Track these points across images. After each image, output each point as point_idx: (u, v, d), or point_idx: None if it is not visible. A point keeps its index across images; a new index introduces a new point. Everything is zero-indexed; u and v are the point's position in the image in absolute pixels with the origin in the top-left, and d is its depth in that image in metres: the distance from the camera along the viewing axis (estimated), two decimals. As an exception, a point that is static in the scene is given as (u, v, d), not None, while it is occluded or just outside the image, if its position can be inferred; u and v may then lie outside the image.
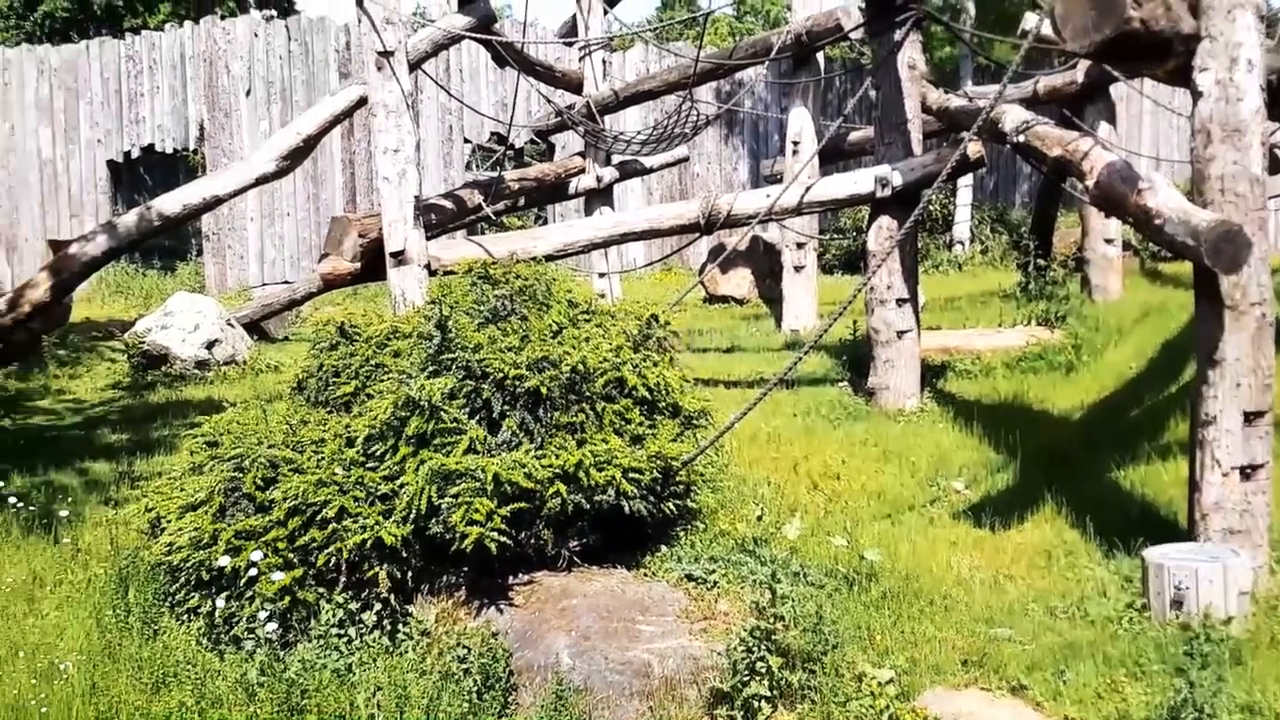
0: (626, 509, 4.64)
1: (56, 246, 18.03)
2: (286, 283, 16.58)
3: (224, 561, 4.31)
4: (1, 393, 9.78)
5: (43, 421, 8.75)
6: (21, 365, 10.43)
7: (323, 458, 4.65)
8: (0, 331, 7.75)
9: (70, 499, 6.29)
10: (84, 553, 5.32)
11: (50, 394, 9.81)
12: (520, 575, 4.61)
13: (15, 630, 4.52)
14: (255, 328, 12.43)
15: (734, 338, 11.60)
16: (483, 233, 18.08)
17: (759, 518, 4.75)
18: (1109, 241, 11.86)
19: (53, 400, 9.65)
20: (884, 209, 8.12)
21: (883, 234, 8.11)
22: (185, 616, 4.48)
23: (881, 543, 5.31)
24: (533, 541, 4.62)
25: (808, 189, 8.54)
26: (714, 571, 4.66)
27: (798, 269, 12.10)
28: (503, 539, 4.29)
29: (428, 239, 8.26)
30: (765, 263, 14.75)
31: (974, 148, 7.77)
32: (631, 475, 4.62)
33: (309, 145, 8.40)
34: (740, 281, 14.91)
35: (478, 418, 4.74)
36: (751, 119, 19.32)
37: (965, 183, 17.86)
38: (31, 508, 5.92)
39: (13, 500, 5.85)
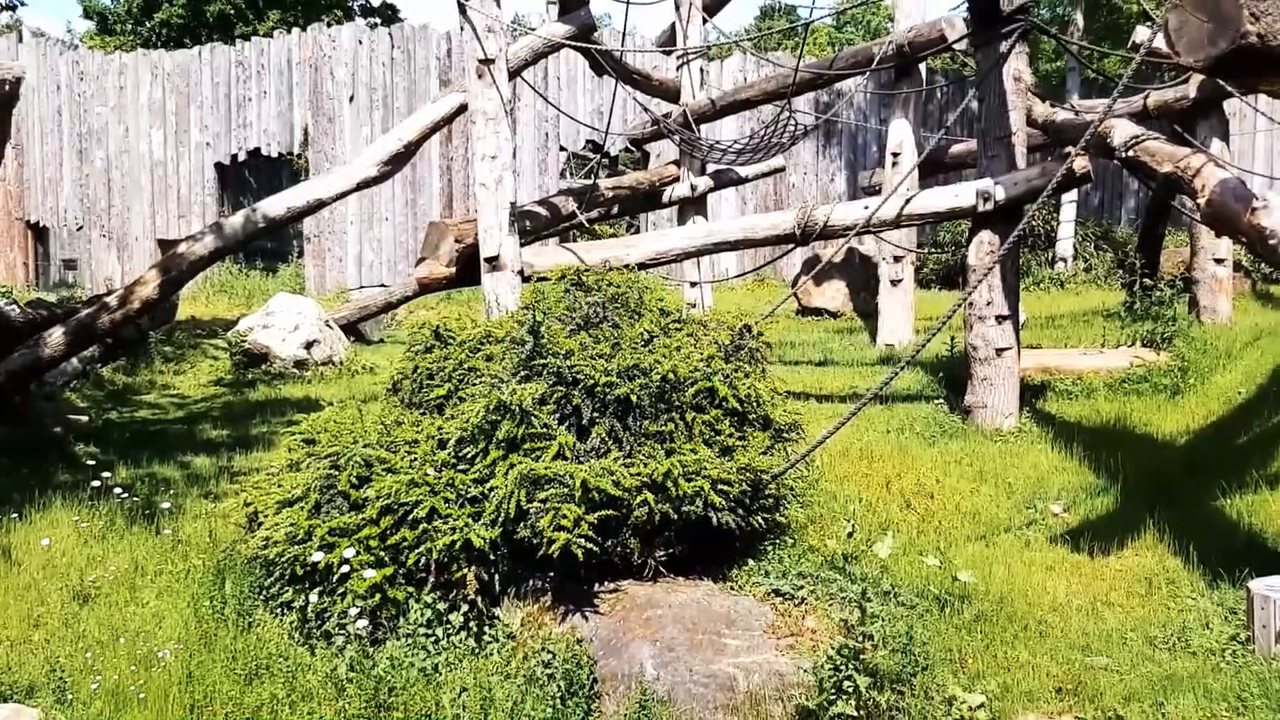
0: (714, 521, 4.63)
1: (165, 246, 18.76)
2: (383, 286, 16.97)
3: (318, 557, 4.42)
4: (110, 386, 10.20)
5: (148, 415, 9.10)
6: (129, 360, 10.87)
7: (415, 458, 4.74)
8: (110, 327, 8.06)
9: (172, 491, 6.52)
10: (184, 544, 5.50)
11: (155, 389, 10.18)
12: (606, 583, 4.63)
13: (117, 617, 4.70)
14: (352, 329, 12.75)
15: (827, 351, 11.52)
16: (576, 240, 18.30)
17: (849, 535, 4.70)
18: (1219, 261, 11.46)
19: (158, 395, 10.02)
20: (985, 223, 7.98)
21: (983, 249, 7.96)
22: (279, 610, 4.60)
23: (975, 564, 5.21)
24: (619, 549, 4.64)
25: (907, 201, 8.43)
26: (802, 587, 4.63)
27: (894, 283, 11.95)
28: (589, 546, 4.32)
29: (522, 245, 8.39)
30: (861, 276, 14.61)
31: (1080, 162, 7.59)
32: (720, 487, 4.62)
33: (409, 151, 8.59)
34: (835, 294, 14.79)
35: (567, 424, 4.78)
36: (850, 130, 19.17)
37: (1069, 198, 17.46)
38: (135, 499, 6.15)
39: (118, 491, 6.08)
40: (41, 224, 21.17)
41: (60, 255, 20.96)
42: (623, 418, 4.79)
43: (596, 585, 4.62)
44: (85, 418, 8.32)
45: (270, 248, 21.11)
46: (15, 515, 5.87)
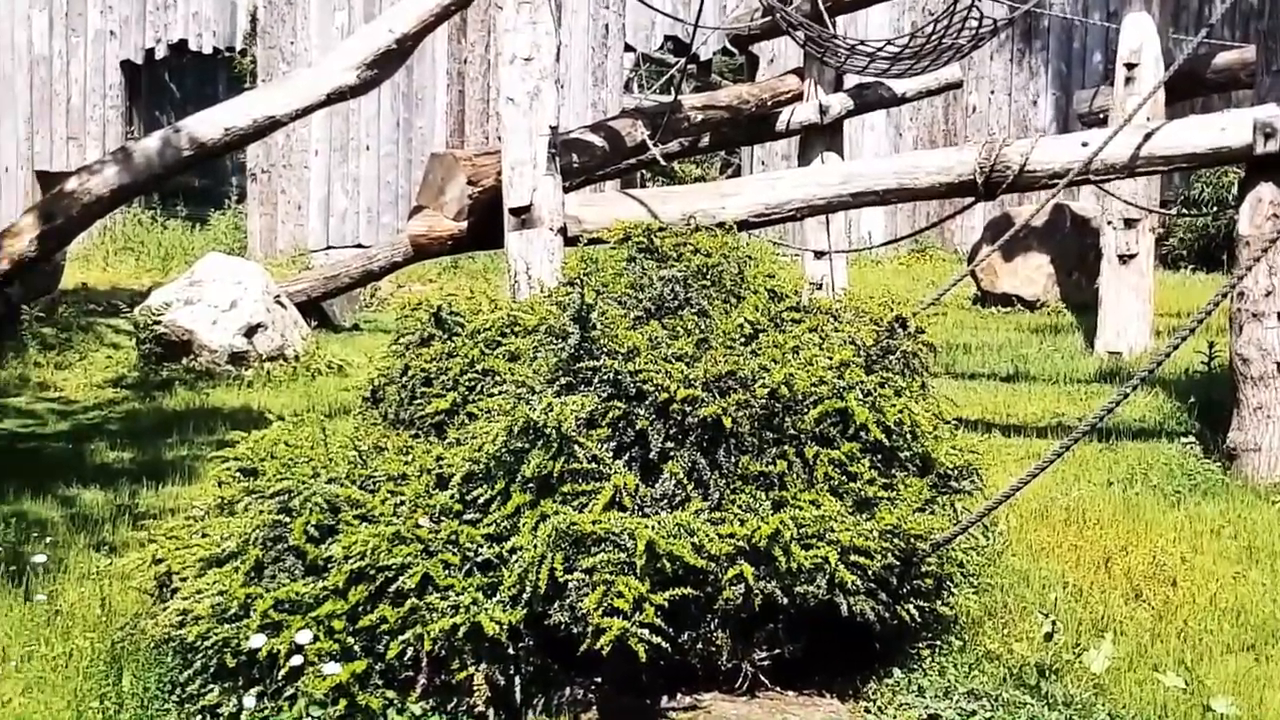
0: (844, 608, 4.61)
1: (47, 181, 19.22)
2: (360, 246, 17.19)
3: (258, 643, 4.47)
4: (-37, 384, 10.46)
5: (16, 427, 9.28)
6: (-7, 346, 11.13)
7: (403, 502, 4.77)
8: (-32, 297, 8.28)
9: (50, 538, 6.63)
10: (64, 616, 5.59)
11: (29, 388, 10.41)
12: (679, 695, 4.63)
13: (-36, 721, 4.81)
14: (314, 308, 12.95)
15: (1019, 358, 11.39)
16: (644, 184, 18.34)
17: (1048, 636, 4.66)
18: None
19: (32, 397, 10.23)
20: (1266, 173, 7.85)
21: (1263, 211, 7.84)
22: (199, 718, 4.65)
23: (1240, 688, 5.12)
24: (699, 646, 4.63)
25: (1147, 137, 8.31)
26: (974, 714, 4.59)
27: (1125, 258, 11.79)
28: (656, 639, 4.31)
29: (567, 190, 8.43)
30: (1073, 247, 14.45)
31: None
32: (854, 558, 4.59)
33: (404, 49, 8.69)
34: (1033, 274, 14.66)
35: (627, 456, 4.78)
36: (1062, 27, 18.97)
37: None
38: (-2, 549, 6.29)
39: (-30, 538, 6.23)
40: None
41: (-105, 191, 21.54)
42: (710, 450, 4.78)
43: (666, 699, 4.62)
44: (-74, 428, 8.53)
45: (198, 187, 21.51)
46: None
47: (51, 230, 8.13)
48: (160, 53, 19.74)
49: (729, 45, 17.80)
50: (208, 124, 8.44)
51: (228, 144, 8.61)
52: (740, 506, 4.69)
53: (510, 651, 4.51)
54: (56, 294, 13.01)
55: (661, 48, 19.33)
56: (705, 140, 12.69)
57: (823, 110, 12.18)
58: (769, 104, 12.29)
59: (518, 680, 4.56)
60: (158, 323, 11.19)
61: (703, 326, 5.17)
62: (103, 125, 19.81)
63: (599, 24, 18.66)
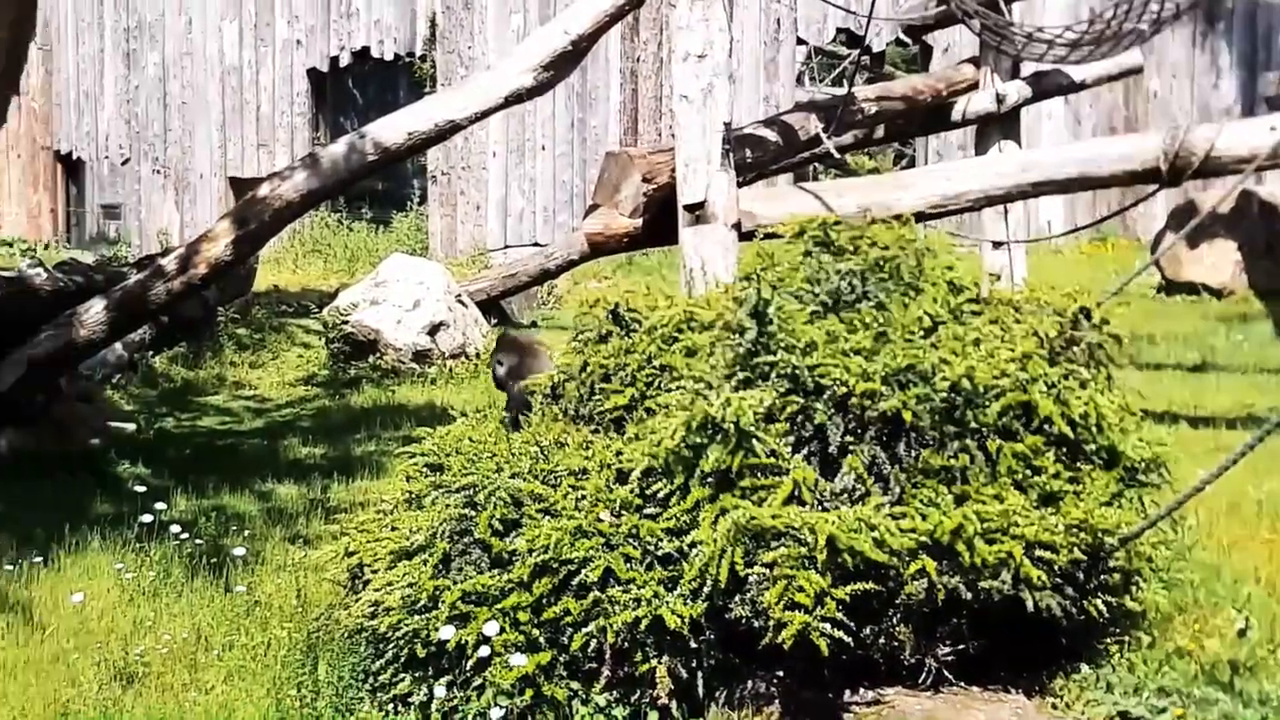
0: (1029, 603, 4.53)
1: (240, 186, 19.80)
2: (537, 245, 17.36)
3: (447, 634, 4.55)
4: (164, 383, 10.85)
5: (215, 424, 9.63)
6: (191, 347, 11.52)
7: (584, 496, 4.82)
8: (167, 300, 8.53)
9: (248, 532, 6.87)
10: (262, 606, 5.78)
11: (226, 387, 10.77)
12: (862, 690, 4.60)
13: (172, 707, 4.98)
14: (493, 307, 13.14)
15: (1205, 349, 11.12)
16: (816, 177, 18.23)
17: (1241, 632, 4.52)
18: None
19: (229, 396, 10.59)
20: None
21: None
22: (391, 706, 4.75)
23: None
24: (882, 642, 4.59)
25: (1339, 118, 8.03)
26: (1164, 711, 4.48)
27: (1315, 244, 11.41)
28: (838, 634, 4.29)
29: (740, 185, 8.41)
30: (1261, 233, 14.04)
31: None
32: (1039, 553, 4.51)
33: (579, 50, 8.73)
34: (1220, 262, 14.29)
35: (805, 451, 4.76)
36: (1246, 8, 18.38)
37: None
38: (198, 541, 6.50)
39: (175, 530, 6.45)
40: (75, 156, 22.71)
41: (99, 199, 22.44)
42: (890, 444, 4.74)
43: (848, 693, 4.59)
44: (132, 425, 8.87)
45: (381, 190, 21.97)
46: (39, 559, 6.31)
47: (245, 235, 8.34)
48: (344, 60, 20.20)
49: (902, 35, 17.58)
50: (391, 129, 8.58)
51: (411, 148, 8.75)
52: (922, 501, 4.63)
53: (692, 645, 4.53)
54: (250, 296, 13.42)
55: (834, 40, 19.18)
56: (879, 132, 12.53)
57: (999, 99, 11.95)
58: (944, 94, 12.10)
59: (699, 673, 4.57)
60: (345, 323, 11.48)
61: (881, 320, 5.12)
62: (290, 132, 20.34)
63: (770, 18, 18.60)
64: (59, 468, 8.09)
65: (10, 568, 6.15)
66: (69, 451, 8.32)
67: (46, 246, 21.00)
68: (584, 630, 4.53)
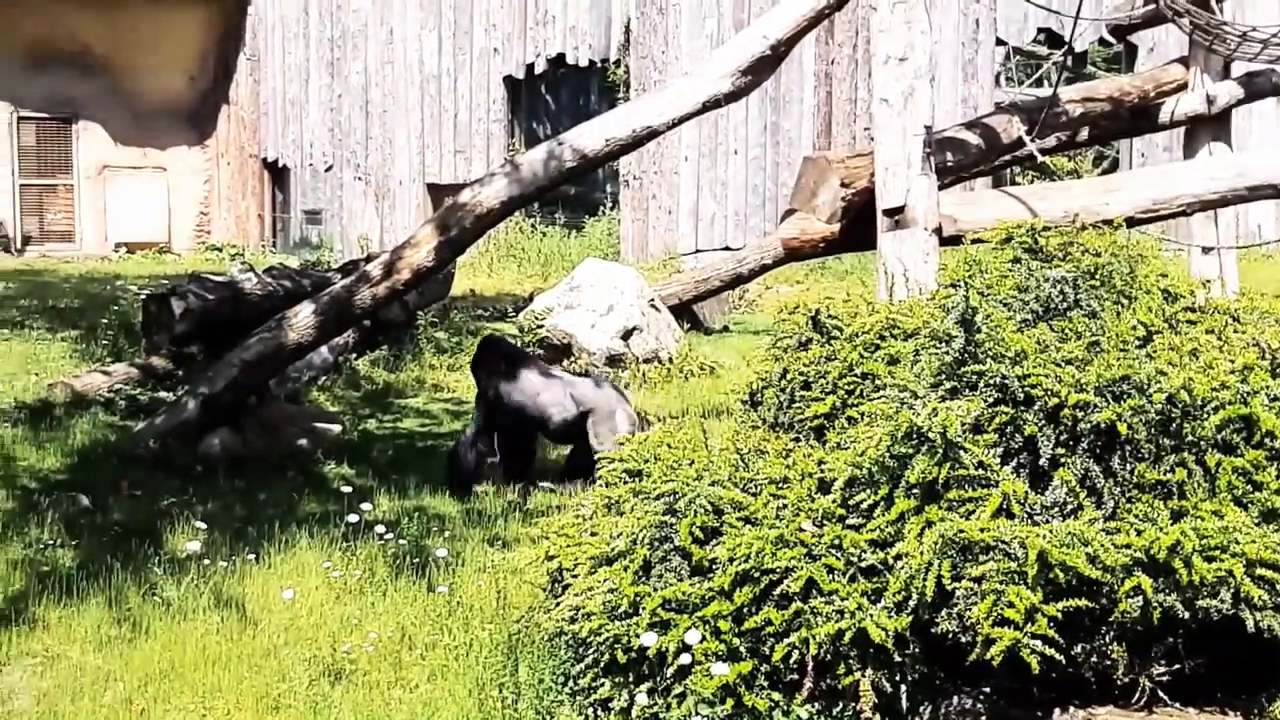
0: (1249, 623, 4.38)
1: (437, 193, 20.15)
2: (728, 250, 17.39)
3: (648, 640, 4.56)
4: (367, 385, 11.11)
5: (416, 426, 9.82)
6: (392, 350, 11.78)
7: (785, 505, 4.79)
8: (371, 304, 8.73)
9: (448, 534, 7.00)
10: (464, 607, 5.87)
11: (425, 390, 10.98)
12: (1072, 708, 4.50)
13: (378, 703, 5.09)
14: (685, 311, 13.17)
15: None
16: (1013, 181, 17.89)
17: None
18: None
19: (428, 398, 10.79)
20: None
21: None
22: (591, 711, 4.79)
23: None
24: (1093, 659, 4.49)
25: None
26: (1393, 740, 4.29)
27: None
28: (1048, 651, 4.20)
29: (940, 189, 8.29)
30: None
31: None
32: (1261, 571, 4.36)
33: (777, 55, 8.68)
34: None
35: (1015, 463, 4.68)
36: None
37: None
38: (402, 542, 6.65)
39: (380, 530, 6.61)
40: (281, 163, 23.41)
41: (302, 204, 23.10)
42: (1103, 457, 4.64)
43: (1057, 713, 4.50)
44: (337, 427, 9.10)
45: (574, 195, 22.21)
46: (252, 556, 6.51)
47: (447, 241, 8.49)
48: (539, 67, 20.45)
49: (1106, 35, 17.17)
50: (589, 135, 8.65)
51: (608, 154, 8.80)
52: (1136, 516, 4.52)
53: (896, 658, 4.47)
54: (448, 300, 13.68)
55: (1034, 40, 18.81)
56: (1083, 134, 12.24)
57: (1210, 100, 11.57)
58: (1151, 95, 11.76)
59: (903, 687, 4.52)
60: (540, 327, 11.63)
61: (1093, 329, 5.02)
62: (487, 139, 20.67)
63: (969, 19, 18.32)
64: (268, 468, 8.34)
65: (224, 564, 6.35)
66: (278, 452, 8.57)
67: (253, 252, 21.72)
68: (786, 641, 4.50)
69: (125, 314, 12.34)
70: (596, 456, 7.85)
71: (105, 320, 12.37)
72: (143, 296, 11.86)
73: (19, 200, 22.95)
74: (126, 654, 5.48)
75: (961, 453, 4.57)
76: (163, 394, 9.76)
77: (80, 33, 22.54)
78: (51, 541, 6.77)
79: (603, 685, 4.77)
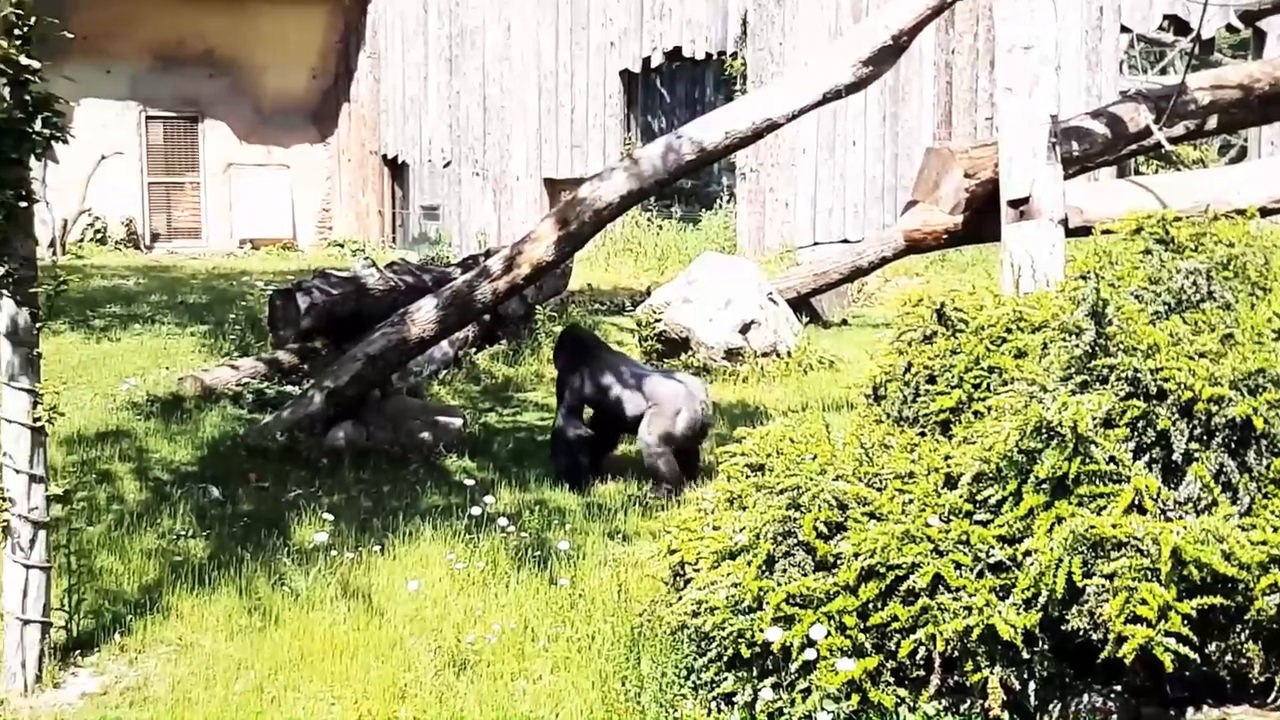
0: (1393, 625, 4.28)
1: (554, 188, 20.27)
2: (846, 242, 17.29)
3: (772, 635, 4.56)
4: (486, 379, 11.21)
5: (535, 420, 9.89)
6: (511, 344, 11.87)
7: (910, 500, 4.77)
8: (492, 299, 8.80)
9: (569, 527, 7.05)
10: (585, 600, 5.91)
11: (544, 384, 11.03)
12: (1205, 708, 4.44)
13: (503, 694, 5.14)
14: (803, 305, 13.12)
15: None
16: (1137, 171, 17.58)
17: None
18: None
19: (546, 392, 10.85)
20: None
21: None
22: (715, 704, 4.80)
23: None
24: (1227, 658, 4.42)
25: None
26: None
27: None
28: (1182, 649, 4.14)
29: (1065, 179, 8.18)
30: None
31: None
32: (1405, 570, 4.25)
33: (899, 45, 8.62)
34: None
35: (1147, 458, 4.63)
36: None
37: None
38: (523, 534, 6.71)
39: (502, 523, 6.67)
40: (400, 159, 23.70)
41: (420, 200, 23.35)
42: (1238, 452, 4.56)
43: (1190, 711, 4.43)
44: (459, 420, 9.18)
45: (689, 189, 22.22)
46: (377, 547, 6.61)
47: (566, 236, 8.54)
48: (655, 60, 20.44)
49: (1233, 21, 16.79)
50: (708, 128, 8.64)
51: (728, 147, 8.79)
52: (1273, 512, 4.45)
53: (1024, 655, 4.44)
54: (565, 294, 13.75)
55: (1159, 27, 18.45)
56: (1211, 123, 12.01)
57: (1344, 86, 11.30)
58: (1282, 82, 11.51)
59: (1032, 685, 4.49)
60: (658, 320, 11.64)
61: (1228, 321, 4.93)
62: (603, 133, 20.73)
63: (1093, 6, 18.01)
64: (392, 460, 8.46)
65: (350, 555, 6.45)
66: (400, 445, 8.68)
67: (373, 247, 22.02)
68: (912, 637, 4.49)
69: (251, 309, 12.55)
70: (646, 451, 7.93)
71: (232, 315, 12.60)
72: (268, 292, 12.07)
73: (148, 198, 23.47)
74: (257, 642, 5.61)
75: (1092, 447, 4.53)
76: (288, 388, 9.92)
77: (206, 33, 23.01)
78: (184, 532, 6.94)
79: (726, 679, 4.78)
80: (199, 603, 6.01)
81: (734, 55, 19.48)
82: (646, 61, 20.49)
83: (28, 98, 5.14)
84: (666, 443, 7.90)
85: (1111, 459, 4.53)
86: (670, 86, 24.20)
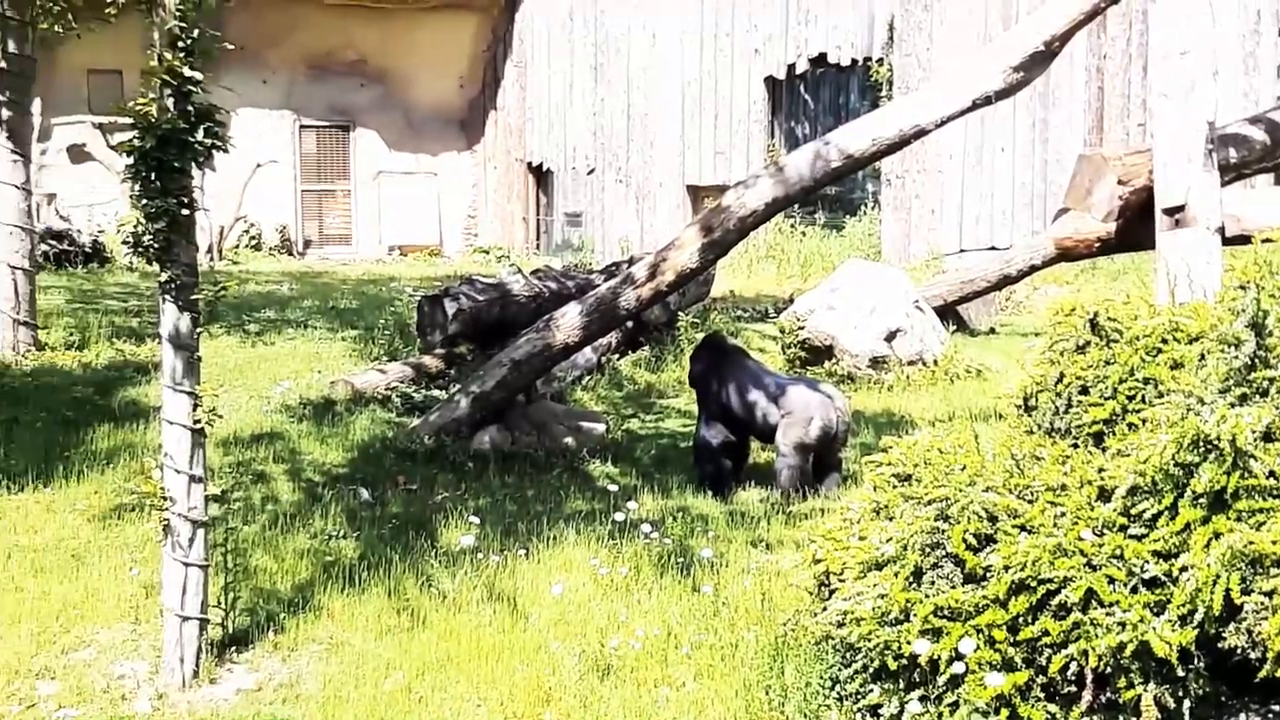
0: None
1: (697, 194, 20.29)
2: (993, 249, 17.06)
3: (920, 648, 4.52)
4: (629, 385, 11.26)
5: (677, 427, 9.92)
6: (654, 351, 11.91)
7: (1063, 513, 4.69)
8: (636, 306, 8.85)
9: (711, 534, 7.06)
10: (728, 608, 5.92)
11: (686, 390, 11.05)
12: (1371, 733, 4.29)
13: (646, 700, 5.17)
14: (949, 313, 12.98)
15: None
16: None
17: None
18: None
19: (689, 399, 10.87)
20: None
21: None
22: (859, 716, 4.77)
23: None
24: (1393, 681, 4.27)
25: None
26: None
27: None
28: (1346, 671, 4.02)
29: (1221, 186, 7.98)
30: None
31: None
32: None
33: (1051, 51, 8.47)
34: None
35: (1309, 473, 4.49)
36: None
37: None
38: (666, 540, 6.73)
39: (645, 529, 6.70)
40: (545, 167, 23.91)
41: (564, 207, 23.54)
42: (1407, 468, 4.39)
43: (1356, 735, 4.29)
44: (602, 426, 9.25)
45: (833, 195, 22.11)
46: (522, 550, 6.68)
47: (711, 243, 8.55)
48: (800, 66, 20.38)
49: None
50: (855, 135, 8.59)
51: (875, 154, 8.72)
52: None
53: (1179, 673, 4.34)
54: (708, 301, 13.76)
55: (1321, 29, 17.91)
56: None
57: None
58: None
59: (1187, 703, 4.38)
60: (801, 328, 11.60)
61: (1396, 333, 4.75)
62: (747, 139, 20.72)
63: (1250, 9, 17.54)
64: (536, 465, 8.55)
65: (496, 558, 6.53)
66: (545, 449, 8.77)
67: (518, 254, 22.24)
68: (1064, 652, 4.41)
69: (400, 314, 12.77)
70: (778, 457, 7.90)
71: (381, 320, 12.82)
72: (416, 298, 12.25)
73: (301, 205, 23.97)
74: (405, 643, 5.70)
75: (1252, 461, 4.40)
76: (435, 392, 10.07)
77: (357, 44, 23.46)
78: (335, 532, 7.08)
79: (872, 691, 4.75)
80: (349, 602, 6.13)
81: (880, 61, 19.35)
82: (791, 68, 20.44)
83: (190, 108, 5.29)
84: (800, 451, 7.89)
85: (1271, 474, 4.40)
86: (814, 92, 24.09)
